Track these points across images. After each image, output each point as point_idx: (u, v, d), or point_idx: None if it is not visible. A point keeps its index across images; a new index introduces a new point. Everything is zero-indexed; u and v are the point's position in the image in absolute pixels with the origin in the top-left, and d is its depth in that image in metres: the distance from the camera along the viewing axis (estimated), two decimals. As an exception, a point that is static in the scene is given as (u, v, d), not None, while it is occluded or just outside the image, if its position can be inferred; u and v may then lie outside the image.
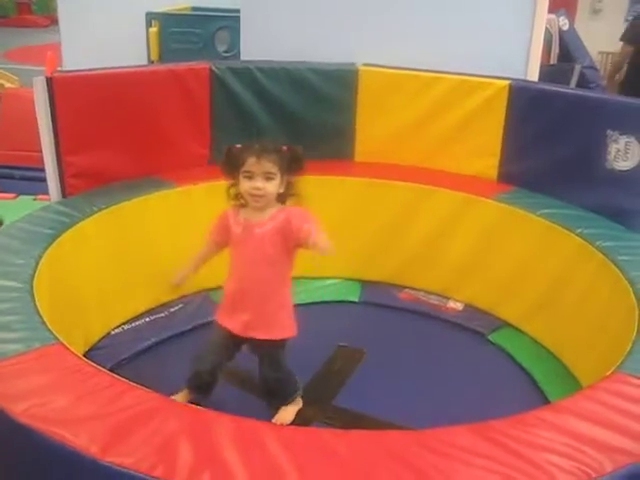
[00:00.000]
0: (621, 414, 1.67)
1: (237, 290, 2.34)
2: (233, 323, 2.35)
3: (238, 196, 2.31)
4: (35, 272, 2.31)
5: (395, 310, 3.31)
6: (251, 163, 2.20)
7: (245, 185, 2.23)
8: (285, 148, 2.31)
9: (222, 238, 2.38)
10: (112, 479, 1.44)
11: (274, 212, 2.28)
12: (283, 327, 2.38)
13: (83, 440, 1.49)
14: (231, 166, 2.27)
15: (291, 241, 2.25)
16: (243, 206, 2.32)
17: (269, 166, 2.21)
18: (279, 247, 2.27)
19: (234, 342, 2.39)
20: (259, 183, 2.21)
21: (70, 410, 1.61)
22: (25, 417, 1.56)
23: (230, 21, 6.00)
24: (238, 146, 2.28)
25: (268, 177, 2.22)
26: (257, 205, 2.25)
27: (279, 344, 2.38)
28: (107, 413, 1.60)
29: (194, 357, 2.43)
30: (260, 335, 2.33)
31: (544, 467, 1.46)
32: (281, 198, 2.31)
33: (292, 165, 2.30)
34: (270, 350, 2.38)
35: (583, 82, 5.74)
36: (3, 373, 1.73)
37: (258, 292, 2.31)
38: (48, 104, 2.88)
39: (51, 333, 1.95)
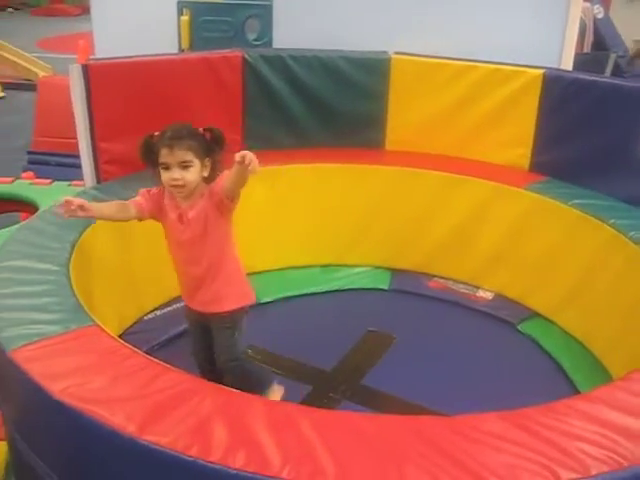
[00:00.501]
0: (653, 404, 1.67)
1: (184, 273, 2.28)
2: (193, 303, 2.30)
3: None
4: (71, 256, 2.35)
5: (424, 298, 3.32)
6: (164, 154, 2.08)
7: (163, 177, 2.11)
8: (202, 130, 2.17)
9: (150, 210, 2.23)
10: (149, 457, 1.47)
11: (202, 192, 2.16)
12: (235, 298, 2.28)
13: (120, 419, 1.53)
14: (149, 157, 2.14)
15: (221, 204, 2.14)
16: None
17: (183, 154, 2.07)
18: (213, 223, 2.17)
19: (203, 324, 2.32)
20: (176, 174, 2.08)
21: (107, 390, 1.65)
22: (64, 396, 1.60)
23: (260, 9, 5.98)
24: (156, 134, 2.15)
25: (185, 166, 2.08)
26: (181, 195, 2.15)
27: (236, 316, 2.28)
28: (143, 394, 1.63)
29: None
30: (215, 309, 2.25)
31: (576, 455, 1.47)
32: (209, 181, 2.17)
33: (213, 147, 2.17)
34: (225, 327, 2.27)
35: (617, 71, 5.66)
36: (42, 353, 1.77)
37: (203, 272, 2.22)
38: (84, 91, 2.92)
39: (87, 315, 1.99)
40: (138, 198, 2.24)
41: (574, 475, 1.41)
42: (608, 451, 1.48)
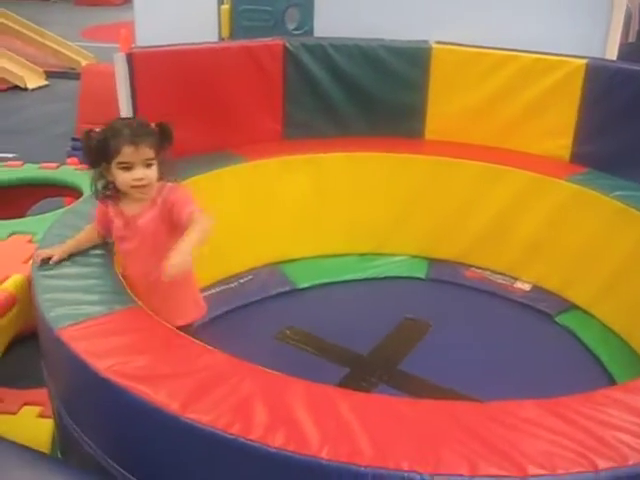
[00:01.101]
0: (693, 396, 1.65)
1: (136, 284, 2.11)
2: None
3: (111, 188, 2.06)
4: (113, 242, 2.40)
5: (461, 288, 3.33)
6: (128, 153, 1.93)
7: (124, 177, 1.97)
8: (154, 126, 2.03)
9: (105, 230, 2.18)
10: (191, 434, 1.51)
11: (153, 196, 2.05)
12: (189, 311, 2.21)
13: (163, 397, 1.57)
14: (97, 155, 1.99)
15: (177, 225, 2.03)
16: (117, 198, 2.08)
17: (148, 152, 1.96)
18: (167, 233, 2.04)
19: None
20: (140, 173, 1.96)
21: (151, 369, 1.69)
22: (109, 373, 1.64)
23: (300, -1, 6.03)
24: (97, 130, 2.00)
25: (148, 164, 1.97)
26: (142, 197, 2.03)
27: (189, 330, 2.14)
28: (186, 373, 1.67)
29: None
30: (172, 323, 2.02)
31: (613, 444, 1.46)
32: (158, 179, 2.06)
33: (164, 143, 2.03)
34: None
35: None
36: (88, 333, 1.82)
37: (155, 283, 2.01)
38: (128, 79, 2.98)
39: (130, 297, 2.03)
40: (97, 227, 2.20)
41: (611, 464, 1.41)
42: (646, 441, 1.48)
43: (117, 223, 2.10)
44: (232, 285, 3.20)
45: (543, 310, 3.15)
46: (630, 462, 1.42)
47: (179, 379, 1.64)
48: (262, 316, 3.00)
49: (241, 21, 6.46)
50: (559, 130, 3.34)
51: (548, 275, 3.27)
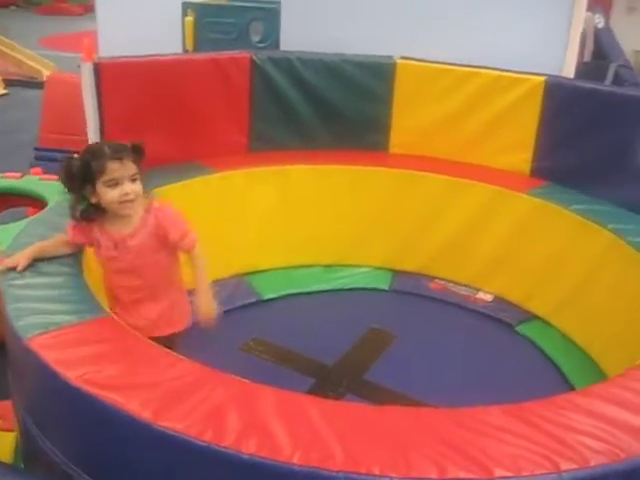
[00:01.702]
0: (650, 400, 1.72)
1: (124, 296, 2.20)
2: (136, 321, 2.16)
3: (92, 210, 2.09)
4: (83, 251, 2.39)
5: (424, 299, 3.38)
6: (114, 169, 2.00)
7: (112, 194, 2.02)
8: (129, 145, 2.08)
9: (82, 244, 2.22)
10: (164, 442, 1.52)
11: (142, 215, 2.12)
12: (180, 319, 2.29)
13: (135, 405, 1.58)
14: (80, 179, 2.03)
15: (169, 246, 2.17)
16: (101, 219, 2.12)
17: (132, 167, 2.04)
18: (158, 250, 2.15)
19: None
20: (128, 188, 2.03)
21: (123, 378, 1.69)
22: (80, 382, 1.64)
23: (264, 12, 6.05)
24: (76, 156, 2.07)
25: (133, 179, 2.04)
26: (130, 212, 2.08)
27: (177, 337, 2.29)
28: (158, 381, 1.68)
29: None
30: (162, 332, 2.22)
31: (575, 447, 1.52)
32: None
33: (139, 159, 2.10)
34: (170, 345, 2.17)
35: (618, 81, 5.72)
36: (58, 342, 1.82)
37: (147, 297, 2.19)
38: (94, 89, 2.97)
39: (101, 305, 2.04)
40: (71, 240, 2.21)
41: (574, 465, 1.46)
42: (606, 443, 1.53)
43: (105, 244, 2.13)
44: (198, 296, 3.19)
45: (504, 320, 3.22)
46: (591, 463, 1.47)
47: (151, 388, 1.65)
48: (228, 327, 2.97)
49: (205, 33, 6.48)
50: (520, 145, 3.43)
51: (510, 286, 3.35)
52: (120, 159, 2.01)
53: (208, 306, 2.15)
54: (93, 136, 3.05)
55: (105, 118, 3.04)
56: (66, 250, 2.24)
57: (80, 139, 3.14)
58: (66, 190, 2.09)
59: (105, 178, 2.01)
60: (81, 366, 1.71)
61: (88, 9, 12.48)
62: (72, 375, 1.67)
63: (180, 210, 3.05)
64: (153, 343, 1.90)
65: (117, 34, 6.48)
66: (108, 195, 2.03)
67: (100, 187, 2.03)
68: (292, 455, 1.45)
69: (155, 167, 3.11)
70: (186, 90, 3.28)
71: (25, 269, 2.13)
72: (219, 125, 3.42)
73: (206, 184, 3.18)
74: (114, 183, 2.02)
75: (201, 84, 3.32)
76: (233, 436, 1.50)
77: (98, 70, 2.97)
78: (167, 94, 3.21)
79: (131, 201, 2.05)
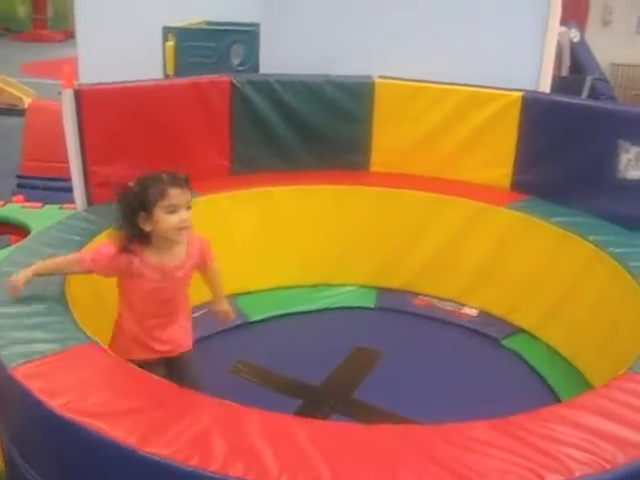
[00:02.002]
0: (633, 410, 1.74)
1: (148, 320, 2.20)
2: (164, 348, 2.23)
3: (142, 237, 2.07)
4: (66, 277, 2.39)
5: (410, 316, 3.39)
6: (175, 195, 2.02)
7: (171, 220, 2.02)
8: (182, 175, 2.13)
9: (106, 275, 2.18)
10: (150, 469, 1.51)
11: (186, 247, 2.16)
12: (191, 333, 2.37)
13: (121, 432, 1.57)
14: (137, 205, 2.02)
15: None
16: (143, 248, 2.09)
17: (189, 195, 2.08)
18: (191, 277, 2.27)
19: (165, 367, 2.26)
20: (185, 215, 2.05)
21: (107, 405, 1.68)
22: (64, 410, 1.64)
23: (244, 35, 6.11)
24: (131, 184, 2.08)
25: (189, 206, 2.07)
26: (183, 239, 2.11)
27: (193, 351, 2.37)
28: (143, 407, 1.68)
29: None
30: (186, 347, 2.31)
31: (561, 459, 1.53)
32: None
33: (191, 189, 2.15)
34: (191, 357, 2.34)
35: (594, 94, 5.80)
36: (42, 370, 1.81)
37: (177, 317, 2.26)
38: (75, 116, 2.98)
39: (84, 333, 2.03)
40: (95, 269, 2.15)
41: (559, 477, 1.47)
42: (591, 455, 1.54)
43: (151, 276, 2.11)
44: (184, 320, 3.19)
45: (490, 334, 3.24)
46: (577, 474, 1.49)
47: (136, 414, 1.65)
48: (216, 350, 3.01)
49: (186, 57, 6.53)
50: (499, 159, 3.47)
51: (494, 300, 3.37)
52: (180, 186, 2.03)
53: (229, 308, 2.45)
54: (74, 162, 3.05)
55: (86, 144, 3.04)
56: (76, 271, 2.21)
57: (62, 166, 3.17)
58: (120, 216, 2.07)
59: (165, 203, 2.01)
60: (65, 394, 1.70)
61: (68, 35, 12.52)
62: (56, 403, 1.66)
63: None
64: (137, 368, 1.89)
65: (98, 60, 6.52)
66: (167, 221, 2.02)
67: (158, 213, 2.02)
68: (279, 477, 1.45)
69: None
70: (167, 115, 3.29)
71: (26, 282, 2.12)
72: (200, 149, 3.44)
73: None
74: (172, 210, 2.02)
75: (182, 109, 3.33)
76: (220, 460, 1.49)
77: (78, 97, 2.97)
78: (148, 119, 3.21)
79: (187, 228, 2.07)
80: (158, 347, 2.20)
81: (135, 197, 2.03)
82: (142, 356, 2.17)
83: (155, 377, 1.85)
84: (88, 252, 2.24)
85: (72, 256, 2.27)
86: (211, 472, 1.46)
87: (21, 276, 2.12)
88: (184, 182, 2.07)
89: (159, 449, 1.52)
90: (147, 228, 2.05)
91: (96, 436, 1.57)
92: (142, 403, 1.70)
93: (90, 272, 2.19)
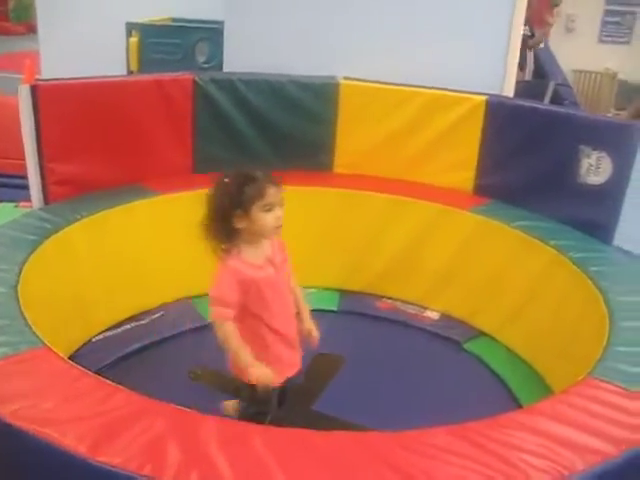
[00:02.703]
0: (592, 416, 1.74)
1: (286, 334, 2.17)
2: (293, 364, 2.23)
3: (232, 234, 2.05)
4: (19, 277, 2.33)
5: (373, 319, 3.37)
6: (272, 193, 2.01)
7: (268, 218, 2.01)
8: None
9: (244, 296, 2.07)
10: (101, 478, 1.47)
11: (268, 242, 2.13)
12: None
13: (72, 440, 1.52)
14: (235, 203, 2.00)
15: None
16: (233, 247, 2.07)
17: (282, 192, 2.07)
18: None
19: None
20: (280, 212, 2.04)
21: (58, 411, 1.64)
22: (14, 418, 1.58)
23: (210, 32, 6.06)
24: (226, 180, 2.05)
25: (282, 204, 2.06)
26: (276, 237, 2.12)
27: None
28: (94, 414, 1.63)
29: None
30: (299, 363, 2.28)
31: (519, 466, 1.52)
32: None
33: None
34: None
35: (557, 99, 5.88)
36: (-8, 375, 1.76)
37: (294, 322, 2.23)
38: (32, 112, 2.90)
39: (37, 337, 1.97)
40: (238, 301, 2.05)
41: (518, 485, 1.47)
42: (549, 461, 1.54)
43: (264, 274, 2.08)
44: (143, 322, 3.13)
45: (452, 338, 3.23)
46: (534, 482, 1.48)
47: (88, 421, 1.60)
48: (174, 353, 2.96)
49: (150, 54, 6.45)
50: (462, 163, 3.47)
51: (457, 304, 3.37)
52: (276, 184, 2.02)
53: (314, 329, 2.25)
54: (31, 159, 2.97)
55: (43, 141, 2.96)
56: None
57: (18, 163, 3.08)
58: (212, 214, 2.04)
59: (263, 202, 1.99)
60: (15, 401, 1.65)
61: (30, 28, 12.27)
62: (5, 411, 1.60)
63: (123, 233, 3.04)
64: (90, 373, 1.84)
65: (60, 55, 6.42)
66: (264, 219, 2.01)
67: (256, 211, 2.00)
68: (234, 486, 1.41)
69: (97, 190, 3.09)
70: (128, 112, 3.23)
71: None
72: (163, 147, 3.38)
73: (150, 207, 3.13)
74: (269, 208, 2.00)
75: (143, 106, 3.27)
76: (173, 469, 1.45)
77: (35, 93, 2.89)
78: (108, 117, 3.15)
79: (280, 226, 2.05)
80: (290, 371, 2.23)
81: (232, 196, 2.00)
82: (284, 375, 2.19)
83: (109, 382, 1.80)
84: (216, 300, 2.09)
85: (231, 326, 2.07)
86: (164, 481, 1.43)
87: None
88: (278, 180, 2.05)
89: (111, 457, 1.48)
90: (241, 226, 2.02)
91: (46, 444, 1.52)
92: (94, 409, 1.65)
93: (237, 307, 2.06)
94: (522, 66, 6.02)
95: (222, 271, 2.06)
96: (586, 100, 8.02)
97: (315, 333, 2.24)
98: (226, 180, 2.05)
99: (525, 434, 1.65)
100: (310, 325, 2.24)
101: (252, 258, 2.08)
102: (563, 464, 1.54)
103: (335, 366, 2.94)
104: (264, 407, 2.18)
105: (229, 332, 2.04)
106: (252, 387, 2.09)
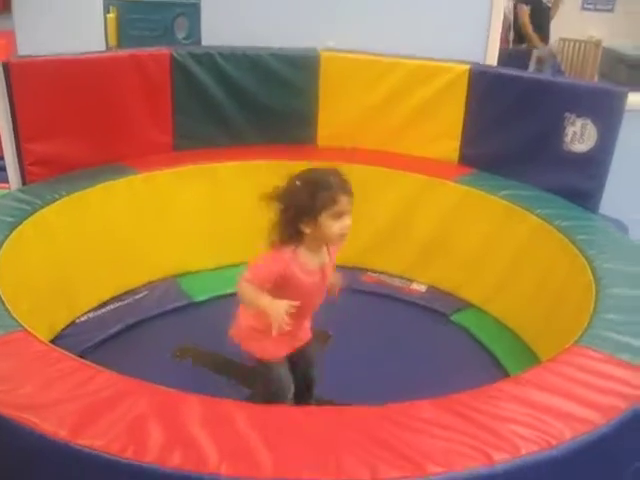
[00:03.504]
0: (579, 385, 1.72)
1: (297, 322, 2.10)
2: (296, 339, 2.23)
3: (297, 237, 2.01)
4: (-5, 261, 2.29)
5: (359, 293, 3.33)
6: (345, 202, 1.97)
7: (335, 226, 1.96)
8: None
9: (276, 288, 2.03)
10: (83, 462, 1.44)
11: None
12: None
13: (52, 424, 1.49)
14: (305, 207, 1.95)
15: None
16: (293, 246, 2.03)
17: (352, 201, 2.02)
18: None
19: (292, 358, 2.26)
20: (349, 221, 2.00)
21: (37, 395, 1.60)
22: (-8, 403, 1.55)
23: (189, 8, 5.93)
24: (298, 184, 1.98)
25: (350, 212, 2.02)
26: (340, 245, 2.11)
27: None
28: (75, 397, 1.60)
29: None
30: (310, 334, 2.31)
31: (507, 437, 1.51)
32: None
33: None
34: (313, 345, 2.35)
35: (541, 67, 5.83)
36: (-33, 361, 1.72)
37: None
38: (5, 91, 2.84)
39: (15, 320, 1.94)
40: (265, 287, 2.00)
41: (505, 456, 1.45)
42: (537, 431, 1.52)
43: (309, 278, 2.06)
44: (127, 301, 3.09)
45: (439, 310, 3.22)
46: (523, 452, 1.47)
47: (68, 404, 1.57)
48: (159, 332, 2.93)
49: (128, 30, 6.32)
50: (447, 133, 3.43)
51: (443, 275, 3.35)
52: (349, 192, 1.98)
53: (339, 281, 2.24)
54: (7, 140, 2.91)
55: (19, 121, 2.90)
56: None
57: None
58: (281, 216, 2.00)
59: (335, 210, 1.95)
60: (-7, 385, 1.61)
61: (5, 6, 12.04)
62: (-17, 396, 1.57)
63: (103, 213, 2.99)
64: (70, 355, 1.81)
65: (36, 33, 6.27)
66: (332, 228, 1.96)
67: (325, 218, 1.95)
68: (219, 466, 1.39)
69: (75, 170, 3.04)
70: (105, 89, 3.16)
71: None
72: (141, 124, 3.32)
73: (129, 185, 3.07)
74: (339, 216, 1.96)
75: (120, 83, 3.21)
76: (156, 450, 1.43)
77: (7, 70, 2.82)
78: (85, 94, 3.08)
79: (346, 235, 2.02)
80: (297, 344, 2.23)
81: (303, 201, 1.94)
82: (285, 351, 2.20)
83: (90, 364, 1.77)
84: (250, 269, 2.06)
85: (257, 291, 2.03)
86: (147, 463, 1.40)
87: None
88: (350, 187, 2.00)
89: (92, 440, 1.45)
90: (307, 231, 1.98)
91: (25, 430, 1.49)
92: (74, 392, 1.61)
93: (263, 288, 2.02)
94: (545, 37, 6.00)
95: (271, 257, 2.03)
96: (571, 68, 7.97)
97: (339, 285, 2.24)
98: (298, 183, 1.99)
99: (512, 404, 1.64)
100: (335, 279, 2.23)
101: (307, 261, 2.05)
102: (551, 433, 1.52)
103: (321, 342, 2.91)
104: (278, 384, 2.18)
105: (252, 290, 2.01)
106: (263, 364, 2.15)
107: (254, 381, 2.40)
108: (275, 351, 2.17)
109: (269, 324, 1.95)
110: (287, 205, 1.98)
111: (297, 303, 1.96)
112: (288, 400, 2.19)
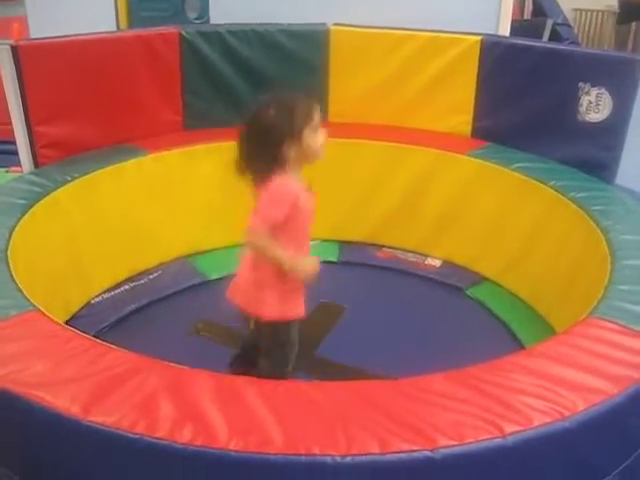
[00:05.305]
0: (592, 356, 1.71)
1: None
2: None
3: (280, 164, 1.94)
4: (9, 242, 2.29)
5: (374, 268, 3.34)
6: (319, 115, 1.97)
7: (319, 140, 1.96)
8: None
9: (287, 219, 1.97)
10: (94, 438, 1.45)
11: None
12: None
13: (64, 402, 1.50)
14: (285, 129, 1.90)
15: None
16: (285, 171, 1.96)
17: None
18: None
19: None
20: (325, 133, 2.00)
21: (50, 374, 1.61)
22: (5, 382, 1.56)
23: (200, -13, 5.91)
24: (272, 112, 1.92)
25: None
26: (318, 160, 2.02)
27: None
28: (87, 375, 1.60)
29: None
30: None
31: (519, 408, 1.49)
32: None
33: None
34: None
35: (557, 38, 5.73)
36: (-20, 341, 1.73)
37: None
38: (15, 73, 2.84)
39: (28, 300, 1.95)
40: (280, 220, 1.95)
41: (517, 428, 1.44)
42: (550, 403, 1.51)
43: (309, 202, 2.01)
44: (142, 281, 3.11)
45: (454, 284, 3.20)
46: (535, 423, 1.45)
47: (80, 382, 1.58)
48: (174, 311, 2.94)
49: (139, 11, 6.27)
50: (459, 106, 3.39)
51: (458, 250, 3.33)
52: (317, 106, 1.97)
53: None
54: (18, 123, 2.91)
55: (29, 103, 2.90)
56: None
57: (7, 128, 3.02)
58: (256, 147, 1.92)
59: (314, 124, 1.94)
60: (5, 365, 1.62)
61: (19, -7, 12.04)
62: (-4, 375, 1.58)
63: (115, 194, 3.00)
64: (82, 334, 1.82)
65: (48, 17, 6.26)
66: (314, 140, 1.95)
67: (308, 134, 1.92)
68: (229, 441, 1.39)
69: (86, 151, 3.04)
70: (114, 70, 3.15)
71: None
72: (151, 105, 3.31)
73: (140, 166, 3.07)
74: (317, 129, 1.95)
75: (130, 63, 3.20)
76: (167, 426, 1.43)
77: (17, 53, 2.82)
78: (95, 75, 3.08)
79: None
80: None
81: (284, 123, 1.90)
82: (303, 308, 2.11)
83: (101, 342, 1.78)
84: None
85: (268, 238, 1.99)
86: (158, 438, 1.40)
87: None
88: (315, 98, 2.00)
89: (104, 417, 1.46)
90: (292, 154, 1.93)
91: (38, 407, 1.50)
92: (86, 370, 1.62)
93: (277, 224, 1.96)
94: None
95: (275, 191, 1.94)
96: (587, 39, 7.85)
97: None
98: (272, 112, 1.92)
99: (525, 376, 1.62)
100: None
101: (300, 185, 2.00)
102: (564, 405, 1.51)
103: (336, 314, 2.92)
104: (289, 348, 2.14)
105: (267, 240, 1.96)
106: (274, 325, 2.07)
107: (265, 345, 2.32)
108: (297, 308, 2.10)
109: (291, 281, 1.94)
110: (266, 135, 1.91)
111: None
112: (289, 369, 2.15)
